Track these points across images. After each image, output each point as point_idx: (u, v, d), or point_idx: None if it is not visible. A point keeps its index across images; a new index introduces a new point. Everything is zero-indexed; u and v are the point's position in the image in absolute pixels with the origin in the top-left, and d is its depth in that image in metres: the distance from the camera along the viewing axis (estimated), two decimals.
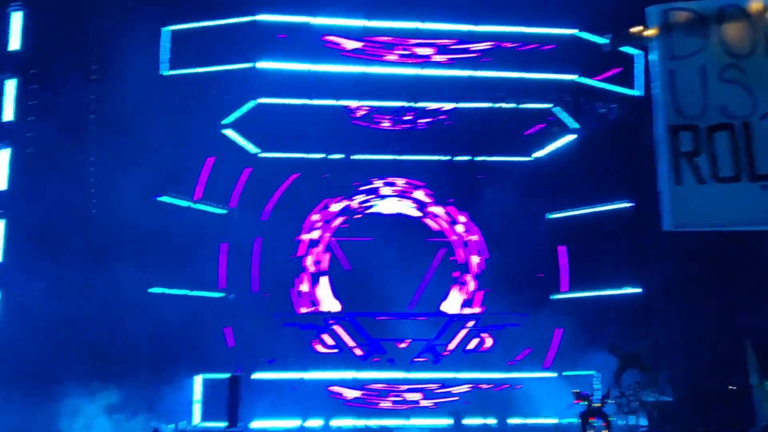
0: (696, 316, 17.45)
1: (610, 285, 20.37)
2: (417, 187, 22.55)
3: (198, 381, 19.61)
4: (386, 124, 20.75)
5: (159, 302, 18.99)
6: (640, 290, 19.92)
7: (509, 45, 19.24)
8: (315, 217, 22.13)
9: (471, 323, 21.70)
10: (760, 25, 3.45)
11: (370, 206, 22.40)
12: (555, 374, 20.06)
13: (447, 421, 19.50)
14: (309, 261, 21.93)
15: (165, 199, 19.35)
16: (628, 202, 20.38)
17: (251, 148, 21.01)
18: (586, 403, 13.46)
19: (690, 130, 3.25)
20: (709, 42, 3.38)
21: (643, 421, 16.73)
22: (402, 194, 22.54)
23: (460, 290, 22.24)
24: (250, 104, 19.40)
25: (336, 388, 20.36)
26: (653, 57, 3.35)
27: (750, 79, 3.39)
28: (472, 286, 22.28)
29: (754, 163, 3.30)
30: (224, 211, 20.79)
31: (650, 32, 3.36)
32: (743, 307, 16.31)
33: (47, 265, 15.27)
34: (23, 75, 17.87)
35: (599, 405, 13.53)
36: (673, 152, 3.21)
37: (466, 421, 19.31)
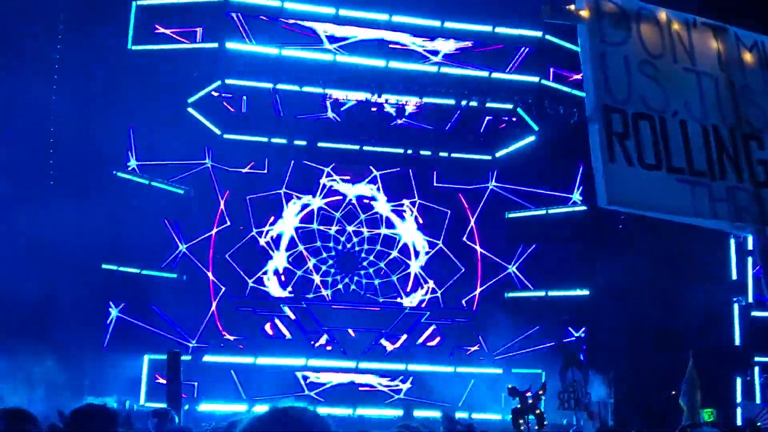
0: (641, 320, 17.90)
1: (562, 285, 20.79)
2: (378, 179, 22.65)
3: (145, 361, 19.40)
4: (351, 113, 20.77)
5: (110, 279, 18.81)
6: (587, 292, 20.36)
7: (477, 43, 19.45)
8: (275, 202, 22.07)
9: (423, 317, 21.89)
10: (666, 33, 3.70)
11: (333, 194, 22.42)
12: (500, 370, 20.34)
13: (397, 413, 19.66)
14: (267, 245, 21.87)
15: (123, 175, 19.10)
16: (582, 205, 20.79)
17: (214, 128, 20.83)
18: (519, 398, 13.56)
19: (619, 112, 3.42)
20: (631, 36, 3.60)
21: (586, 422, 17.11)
22: (365, 184, 22.62)
23: (414, 284, 22.43)
24: (216, 84, 19.25)
25: (286, 374, 20.35)
26: (584, 39, 3.52)
27: (662, 78, 3.63)
28: (427, 280, 22.47)
29: (671, 156, 3.49)
30: (182, 191, 20.58)
31: (583, 13, 3.53)
32: (686, 313, 16.79)
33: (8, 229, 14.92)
34: None
35: (532, 401, 13.61)
36: (607, 129, 3.35)
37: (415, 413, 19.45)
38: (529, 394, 13.86)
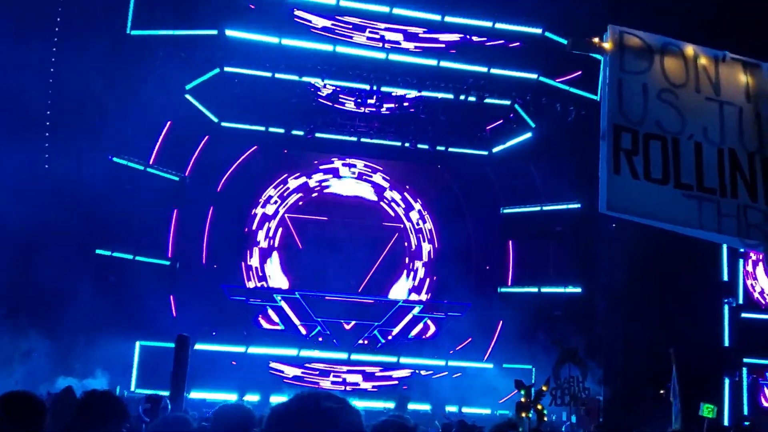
0: (634, 319, 17.98)
1: (555, 282, 20.87)
2: (375, 171, 22.68)
3: (136, 347, 19.39)
4: (350, 105, 20.75)
5: (104, 264, 18.77)
6: (579, 290, 20.44)
7: (476, 39, 19.41)
8: (271, 191, 22.07)
9: (416, 310, 21.95)
10: (691, 65, 4.01)
11: (328, 186, 22.43)
12: (491, 365, 20.43)
13: (388, 405, 19.68)
14: (261, 235, 21.88)
15: (119, 160, 19.04)
16: (577, 203, 20.82)
17: (212, 116, 20.78)
18: (524, 392, 13.63)
19: (630, 132, 3.71)
20: (652, 66, 3.92)
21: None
22: (360, 177, 22.63)
23: (408, 277, 22.48)
24: (214, 71, 19.19)
25: (277, 365, 20.40)
26: (605, 66, 3.84)
27: (681, 105, 3.95)
28: (421, 273, 22.54)
29: (680, 173, 3.77)
30: (177, 178, 20.53)
31: (607, 45, 3.84)
32: (678, 314, 16.88)
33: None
34: None
35: (536, 397, 13.68)
36: (615, 146, 3.65)
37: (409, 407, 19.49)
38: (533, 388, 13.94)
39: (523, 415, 13.47)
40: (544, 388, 14.14)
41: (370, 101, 20.38)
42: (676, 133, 3.87)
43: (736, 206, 3.87)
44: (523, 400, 13.55)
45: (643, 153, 3.76)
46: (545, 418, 13.92)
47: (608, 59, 3.89)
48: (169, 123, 19.42)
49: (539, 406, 13.75)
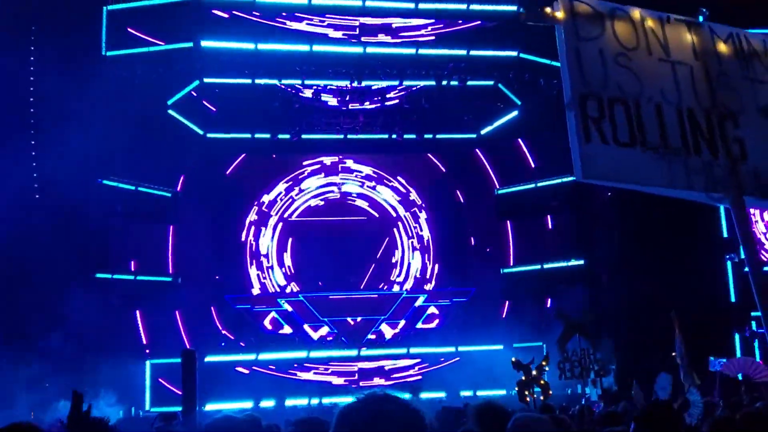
0: (637, 284, 17.96)
1: (556, 257, 20.85)
2: (365, 166, 22.68)
3: (146, 367, 19.36)
4: (333, 103, 20.70)
5: (104, 286, 18.71)
6: (582, 262, 20.42)
7: (452, 23, 19.32)
8: (264, 197, 22.04)
9: (421, 299, 21.94)
10: (640, 28, 4.14)
11: (320, 186, 22.40)
12: (501, 346, 20.44)
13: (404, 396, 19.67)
14: (258, 242, 21.85)
15: (108, 182, 18.98)
16: (570, 176, 20.76)
17: (196, 129, 20.71)
18: (523, 371, 13.60)
19: (595, 99, 3.85)
20: (605, 32, 4.09)
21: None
22: (351, 173, 22.61)
23: (409, 267, 22.48)
24: (194, 84, 19.13)
25: (288, 368, 20.39)
26: (560, 37, 3.98)
27: (637, 68, 4.15)
28: (421, 263, 22.53)
29: (645, 134, 3.96)
30: (169, 194, 20.48)
31: (559, 14, 3.96)
32: (680, 274, 16.86)
33: None
34: None
35: (536, 373, 13.66)
36: (582, 115, 3.79)
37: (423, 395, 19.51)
38: (532, 365, 13.88)
39: (526, 393, 13.46)
40: (543, 364, 14.12)
41: (352, 97, 20.34)
42: (636, 95, 4.01)
43: (701, 163, 4.01)
44: (523, 378, 13.54)
45: (610, 117, 3.88)
46: (550, 392, 13.91)
47: (563, 29, 3.99)
48: (155, 139, 19.25)
49: (542, 382, 13.74)
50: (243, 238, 21.71)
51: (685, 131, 4.05)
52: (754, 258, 3.90)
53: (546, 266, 21.05)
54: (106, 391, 17.39)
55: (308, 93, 20.30)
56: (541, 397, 13.24)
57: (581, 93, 3.82)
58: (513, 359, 14.20)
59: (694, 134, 4.07)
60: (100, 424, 4.07)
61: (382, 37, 19.08)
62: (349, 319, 21.37)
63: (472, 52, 19.36)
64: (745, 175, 4.07)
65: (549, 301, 20.67)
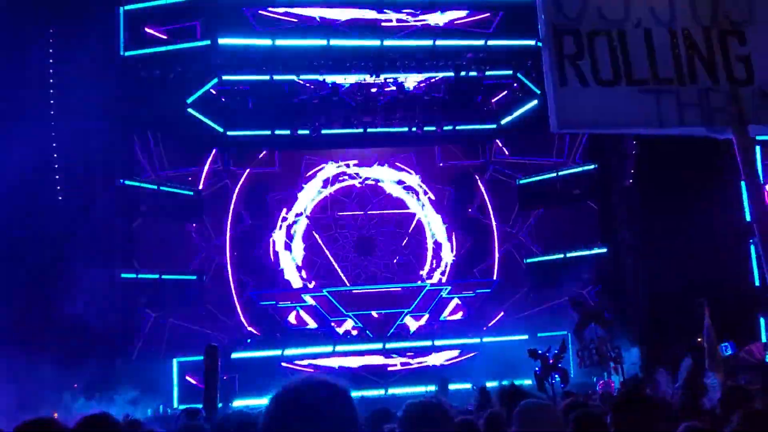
0: (660, 271, 17.74)
1: (579, 246, 20.65)
2: (386, 160, 22.66)
3: (174, 365, 19.49)
4: (352, 97, 20.67)
5: (129, 286, 18.88)
6: (605, 250, 20.21)
7: (471, 13, 19.16)
8: (286, 193, 22.11)
9: (445, 291, 21.87)
10: None
11: (343, 180, 22.44)
12: (526, 336, 20.26)
13: (430, 389, 19.61)
14: (282, 237, 21.93)
15: (131, 182, 19.14)
16: (592, 165, 20.58)
17: (216, 127, 20.81)
18: (540, 360, 13.44)
19: (572, 34, 3.39)
20: None
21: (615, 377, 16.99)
22: (373, 166, 22.62)
23: (432, 260, 22.43)
24: (213, 82, 19.21)
25: (315, 362, 20.42)
26: None
27: None
28: (445, 255, 22.47)
29: (632, 68, 3.47)
30: (191, 193, 20.62)
31: None
32: (706, 261, 16.61)
33: (17, 252, 15.00)
34: None
35: (553, 362, 13.48)
36: (558, 54, 3.34)
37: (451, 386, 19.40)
38: (548, 354, 13.74)
39: (545, 382, 13.32)
40: (560, 352, 13.97)
41: (371, 90, 20.29)
42: (621, 22, 3.54)
43: (697, 92, 3.58)
44: (541, 366, 13.41)
45: (589, 54, 3.44)
46: (569, 378, 13.76)
47: None
48: (176, 139, 19.36)
49: (561, 369, 13.61)
50: (267, 235, 21.81)
51: (679, 56, 3.59)
52: (756, 193, 3.50)
53: (569, 255, 20.85)
54: (134, 390, 17.58)
55: (326, 88, 20.22)
56: (561, 384, 13.09)
57: (555, 24, 3.39)
58: (529, 349, 14.09)
59: (689, 58, 3.60)
60: (135, 425, 4.10)
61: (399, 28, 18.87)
62: (373, 313, 21.38)
63: (490, 42, 19.20)
64: (748, 99, 3.60)
65: (573, 290, 20.46)
